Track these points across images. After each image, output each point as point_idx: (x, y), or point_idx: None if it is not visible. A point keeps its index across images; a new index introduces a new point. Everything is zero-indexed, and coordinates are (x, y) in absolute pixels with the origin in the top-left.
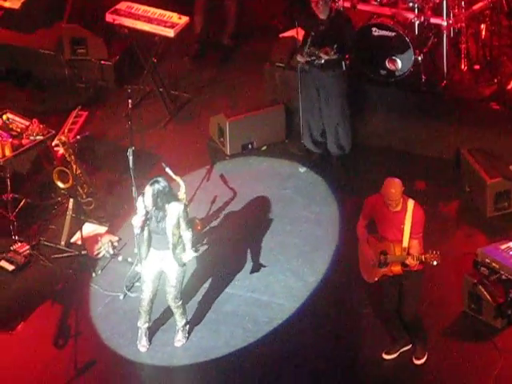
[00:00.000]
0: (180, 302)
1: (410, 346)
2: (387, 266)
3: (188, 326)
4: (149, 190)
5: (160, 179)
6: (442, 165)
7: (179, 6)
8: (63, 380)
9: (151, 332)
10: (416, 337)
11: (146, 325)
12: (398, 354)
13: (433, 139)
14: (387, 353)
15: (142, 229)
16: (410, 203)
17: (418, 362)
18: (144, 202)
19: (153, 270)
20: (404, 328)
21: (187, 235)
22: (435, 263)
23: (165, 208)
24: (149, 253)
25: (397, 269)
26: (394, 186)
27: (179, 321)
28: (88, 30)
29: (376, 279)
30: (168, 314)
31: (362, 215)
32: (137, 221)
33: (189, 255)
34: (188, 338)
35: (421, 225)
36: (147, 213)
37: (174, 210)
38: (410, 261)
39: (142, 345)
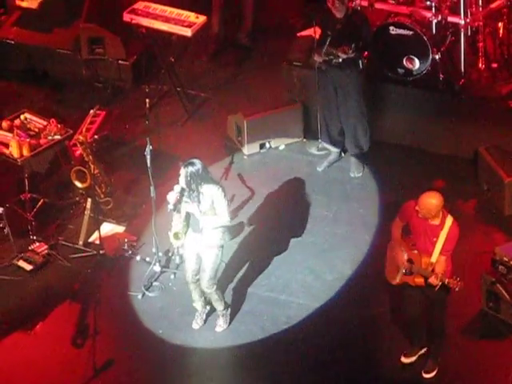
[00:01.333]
0: (214, 288)
1: (425, 349)
2: (411, 275)
3: (229, 311)
4: (183, 172)
5: (195, 161)
6: (460, 163)
7: (196, 5)
8: (82, 380)
9: None
10: (431, 349)
11: (197, 304)
12: (416, 356)
13: (451, 137)
14: (406, 355)
15: (175, 206)
16: (449, 220)
17: (427, 376)
18: (179, 181)
19: (191, 251)
20: (422, 336)
21: (220, 219)
22: (457, 289)
23: (199, 190)
24: (187, 233)
25: (419, 281)
26: (436, 197)
27: (217, 307)
28: (106, 29)
29: (396, 283)
30: None
31: (399, 216)
32: (171, 197)
33: (219, 239)
34: (230, 323)
35: (453, 242)
36: (183, 190)
37: (208, 192)
38: (432, 280)
39: (195, 322)
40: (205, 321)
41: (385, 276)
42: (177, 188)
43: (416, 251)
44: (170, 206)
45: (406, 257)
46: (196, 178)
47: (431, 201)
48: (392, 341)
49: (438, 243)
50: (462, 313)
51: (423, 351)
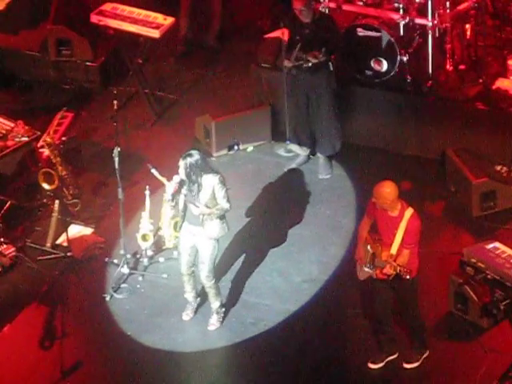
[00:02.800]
0: (213, 282)
1: (397, 355)
2: (374, 269)
3: (223, 310)
4: (182, 164)
5: (193, 152)
6: (428, 165)
7: (164, 7)
8: (50, 382)
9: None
10: (413, 342)
11: (189, 295)
12: (384, 363)
13: (418, 139)
14: (373, 362)
15: (173, 196)
16: (409, 211)
17: (407, 366)
18: (179, 173)
19: (186, 244)
20: (391, 335)
21: (221, 207)
22: (408, 277)
23: (199, 181)
24: (183, 225)
25: (379, 274)
26: (389, 186)
27: (213, 302)
28: (73, 31)
29: (363, 278)
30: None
31: (366, 214)
32: (169, 187)
33: (217, 231)
34: (222, 322)
35: (414, 235)
36: (182, 181)
37: (208, 182)
38: (387, 269)
39: (186, 313)
40: (195, 312)
41: (354, 276)
42: (176, 178)
43: (379, 245)
44: (168, 197)
45: (368, 251)
46: (195, 169)
47: (385, 189)
48: (361, 342)
49: (398, 235)
50: (429, 314)
51: (392, 358)
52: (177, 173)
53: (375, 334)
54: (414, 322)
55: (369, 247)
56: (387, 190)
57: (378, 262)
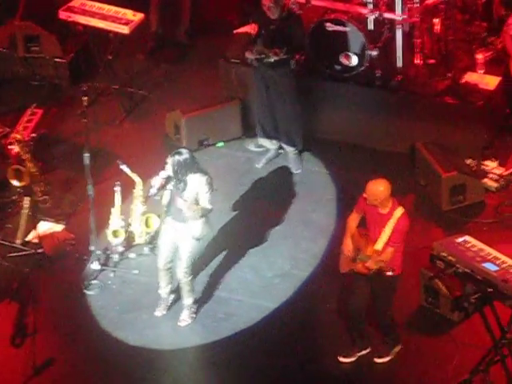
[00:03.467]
0: (189, 278)
1: (369, 349)
2: (356, 263)
3: (196, 306)
4: (170, 160)
5: (182, 150)
6: (398, 159)
7: (134, 2)
8: (22, 378)
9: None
10: (384, 338)
11: (163, 291)
12: (355, 357)
13: (388, 133)
14: (345, 356)
15: (159, 191)
16: (399, 211)
17: (378, 361)
18: (166, 169)
19: (167, 239)
20: (363, 331)
21: (204, 208)
22: (389, 273)
23: (185, 180)
24: (166, 220)
25: (360, 268)
26: (382, 184)
27: (186, 298)
28: (42, 27)
29: (344, 271)
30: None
31: (356, 208)
32: (156, 181)
33: (200, 230)
34: (195, 318)
35: (401, 234)
36: (169, 178)
37: (195, 182)
38: (369, 264)
39: (158, 309)
40: (169, 308)
41: (326, 271)
42: (163, 174)
43: (364, 240)
44: (153, 191)
45: (350, 246)
46: (182, 168)
47: (377, 187)
48: (333, 337)
49: (385, 232)
50: (401, 308)
51: (364, 353)
52: (162, 168)
53: (348, 329)
54: (386, 318)
55: (355, 241)
56: (380, 188)
57: (361, 256)
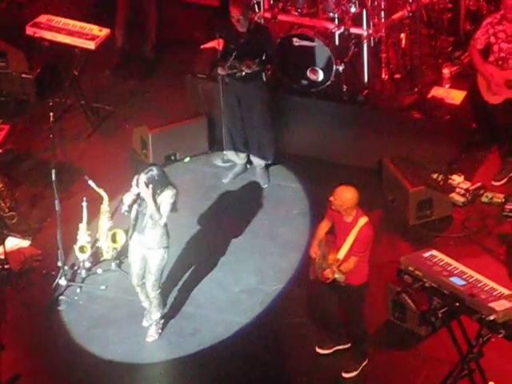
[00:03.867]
0: (158, 292)
1: (348, 345)
2: (321, 270)
3: (163, 321)
4: (142, 178)
5: (154, 167)
6: (365, 174)
7: (100, 18)
8: None
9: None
10: (353, 351)
11: (146, 304)
12: (332, 350)
13: (355, 148)
14: (321, 347)
15: (130, 207)
16: (363, 220)
17: (346, 376)
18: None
19: (136, 255)
20: (342, 333)
21: (158, 215)
22: (342, 284)
23: (160, 195)
24: (133, 236)
25: (321, 275)
26: (350, 192)
27: (154, 313)
28: (8, 43)
29: (312, 278)
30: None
31: (326, 215)
32: (127, 198)
33: (157, 241)
34: (161, 333)
35: (363, 244)
36: (139, 194)
37: (162, 196)
38: (327, 272)
39: (146, 319)
40: (135, 323)
41: (293, 284)
42: (134, 190)
43: (329, 247)
44: (125, 208)
45: (317, 252)
46: (157, 184)
47: (345, 194)
48: (302, 350)
49: (347, 241)
50: (368, 323)
51: (341, 347)
52: (130, 184)
53: (325, 328)
54: (355, 329)
55: (322, 248)
56: (347, 195)
57: (324, 263)
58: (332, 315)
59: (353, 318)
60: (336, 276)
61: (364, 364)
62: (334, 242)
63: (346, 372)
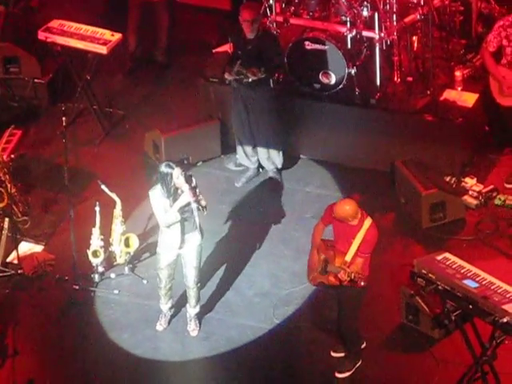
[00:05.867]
0: (199, 285)
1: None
2: (326, 275)
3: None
4: (178, 172)
5: (170, 163)
6: (377, 177)
7: (112, 23)
8: None
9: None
10: (347, 352)
11: (167, 306)
12: (344, 353)
13: (367, 151)
14: (335, 351)
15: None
16: (368, 221)
17: (338, 376)
18: (176, 183)
19: (171, 258)
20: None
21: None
22: (362, 283)
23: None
24: (168, 238)
25: (332, 280)
26: (349, 204)
27: (194, 307)
28: (20, 48)
29: (314, 284)
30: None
31: (322, 219)
32: (187, 196)
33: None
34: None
35: (370, 245)
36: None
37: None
38: (341, 275)
39: (160, 323)
40: (169, 322)
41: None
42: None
43: (332, 252)
44: (194, 205)
45: (320, 256)
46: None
47: (344, 207)
48: (314, 353)
49: (354, 243)
50: (381, 326)
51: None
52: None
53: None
54: (350, 332)
55: (321, 253)
56: (346, 207)
57: (331, 267)
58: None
59: (347, 321)
60: (352, 276)
61: (358, 364)
62: (334, 246)
63: (339, 372)
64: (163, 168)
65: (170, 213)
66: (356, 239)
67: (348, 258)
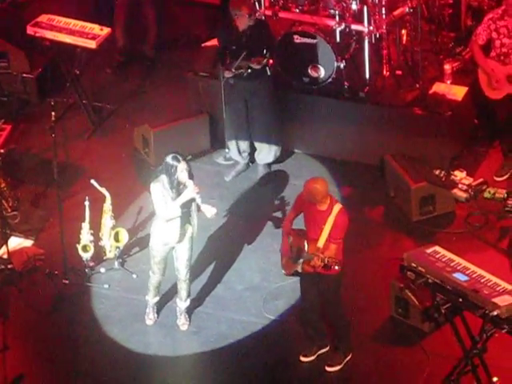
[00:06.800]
0: (189, 277)
1: (328, 348)
2: (300, 263)
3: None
4: (183, 165)
5: (177, 155)
6: (367, 170)
7: (101, 17)
8: None
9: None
10: (337, 343)
11: (156, 299)
12: (315, 356)
13: (356, 145)
14: (304, 355)
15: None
16: (337, 207)
17: (329, 370)
18: (179, 176)
19: (166, 250)
20: (321, 330)
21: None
22: (337, 267)
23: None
24: (165, 232)
25: (306, 267)
26: (319, 183)
27: (184, 301)
28: (9, 43)
29: (288, 273)
30: None
31: (292, 209)
32: (193, 191)
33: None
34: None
35: (341, 230)
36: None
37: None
38: (314, 261)
39: (149, 318)
40: (157, 316)
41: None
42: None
43: (304, 240)
44: (199, 200)
45: (292, 245)
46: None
47: (316, 186)
48: (302, 348)
49: (325, 229)
50: (371, 319)
51: (323, 351)
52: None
53: (304, 330)
54: (338, 321)
55: (292, 240)
56: (318, 186)
57: (304, 255)
58: (314, 310)
59: (336, 310)
60: (326, 261)
61: (348, 358)
62: (305, 234)
63: (329, 366)
64: (169, 159)
65: (172, 207)
66: (326, 225)
67: (320, 244)
